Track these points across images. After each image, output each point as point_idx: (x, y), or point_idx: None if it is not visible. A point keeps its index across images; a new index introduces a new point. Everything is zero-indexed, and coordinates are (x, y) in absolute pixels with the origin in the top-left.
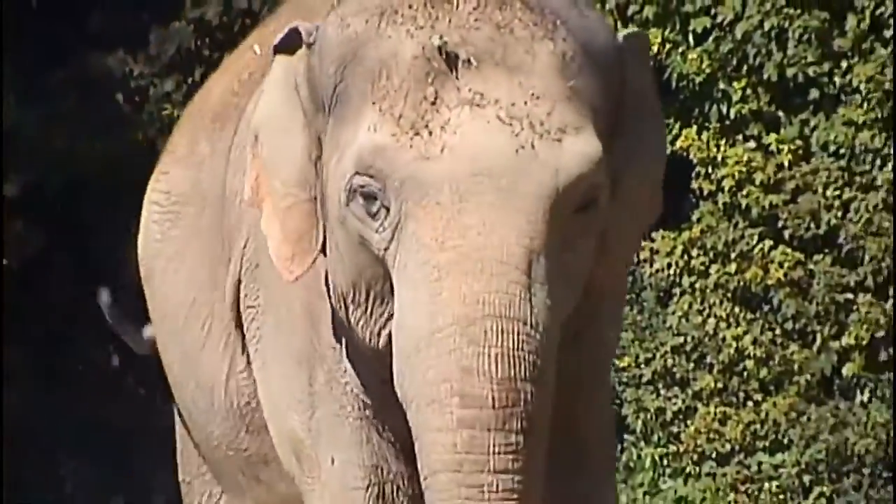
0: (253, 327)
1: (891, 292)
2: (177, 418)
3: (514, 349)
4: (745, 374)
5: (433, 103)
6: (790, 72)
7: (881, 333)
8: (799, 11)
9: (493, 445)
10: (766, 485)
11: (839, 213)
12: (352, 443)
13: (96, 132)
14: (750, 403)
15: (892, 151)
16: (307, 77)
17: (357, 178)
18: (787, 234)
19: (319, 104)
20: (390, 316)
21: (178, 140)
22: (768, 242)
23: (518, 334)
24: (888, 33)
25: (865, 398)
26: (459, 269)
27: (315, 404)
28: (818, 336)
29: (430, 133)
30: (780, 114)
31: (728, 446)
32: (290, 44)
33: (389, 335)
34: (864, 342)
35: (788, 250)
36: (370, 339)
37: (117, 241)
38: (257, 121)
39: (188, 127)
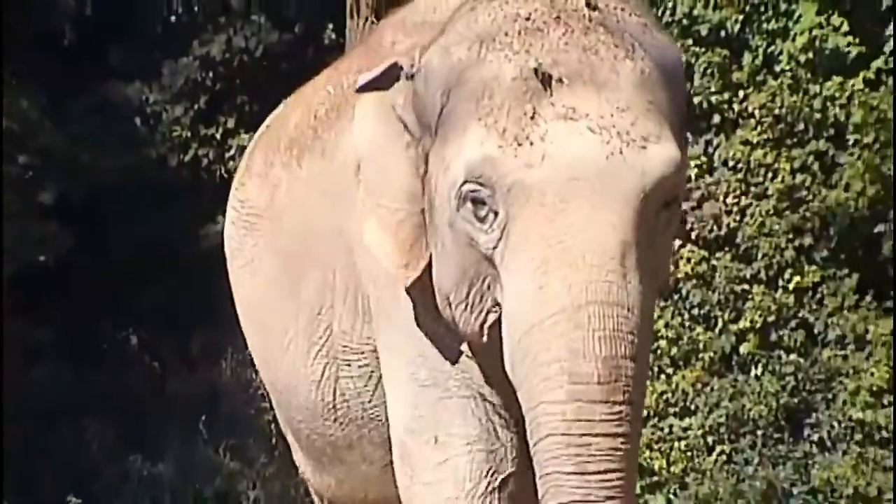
0: (383, 357)
1: (780, 283)
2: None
3: (614, 331)
4: (659, 351)
5: (532, 118)
6: (696, 99)
7: (772, 318)
8: (703, 49)
9: (599, 414)
10: (676, 444)
11: (737, 218)
12: (454, 419)
13: (116, 150)
14: (663, 376)
15: (780, 166)
16: (412, 103)
17: (467, 186)
18: (693, 234)
19: (426, 125)
20: (490, 309)
21: (256, 157)
22: (678, 242)
23: (617, 318)
24: (778, 67)
25: (759, 372)
26: (564, 263)
27: (417, 401)
28: (719, 320)
29: (531, 144)
30: (688, 135)
31: (644, 412)
32: (389, 78)
33: (490, 325)
34: (758, 325)
35: (695, 248)
36: (471, 331)
37: (133, 241)
38: (359, 149)
39: (264, 148)
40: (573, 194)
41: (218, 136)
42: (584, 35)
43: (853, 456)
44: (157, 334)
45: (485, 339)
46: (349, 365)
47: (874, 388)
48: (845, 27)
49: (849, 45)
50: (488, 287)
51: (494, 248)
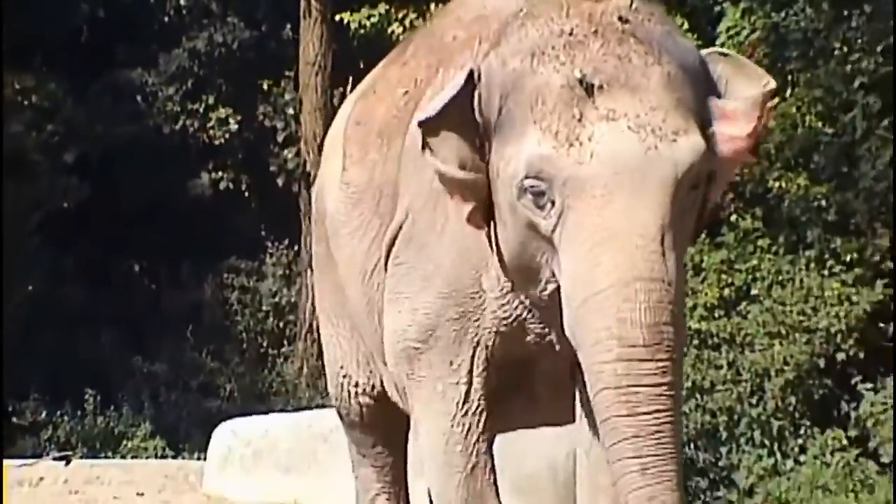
0: (397, 275)
1: None
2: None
3: (657, 302)
4: None
5: (579, 120)
6: None
7: None
8: None
9: (645, 369)
10: None
11: None
12: (464, 356)
13: (123, 121)
14: None
15: None
16: (477, 103)
17: (527, 181)
18: None
19: (487, 122)
20: (549, 280)
21: (353, 148)
22: None
23: (659, 291)
24: None
25: None
26: (612, 246)
27: (438, 327)
28: None
29: (581, 144)
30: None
31: None
32: (470, 86)
33: (549, 294)
34: None
35: None
36: (529, 292)
37: (136, 192)
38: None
39: (356, 138)
40: (617, 186)
41: (201, 111)
42: (619, 45)
43: (692, 356)
44: (154, 263)
45: (545, 298)
46: None
47: (707, 305)
48: None
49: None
50: (546, 261)
51: (553, 231)
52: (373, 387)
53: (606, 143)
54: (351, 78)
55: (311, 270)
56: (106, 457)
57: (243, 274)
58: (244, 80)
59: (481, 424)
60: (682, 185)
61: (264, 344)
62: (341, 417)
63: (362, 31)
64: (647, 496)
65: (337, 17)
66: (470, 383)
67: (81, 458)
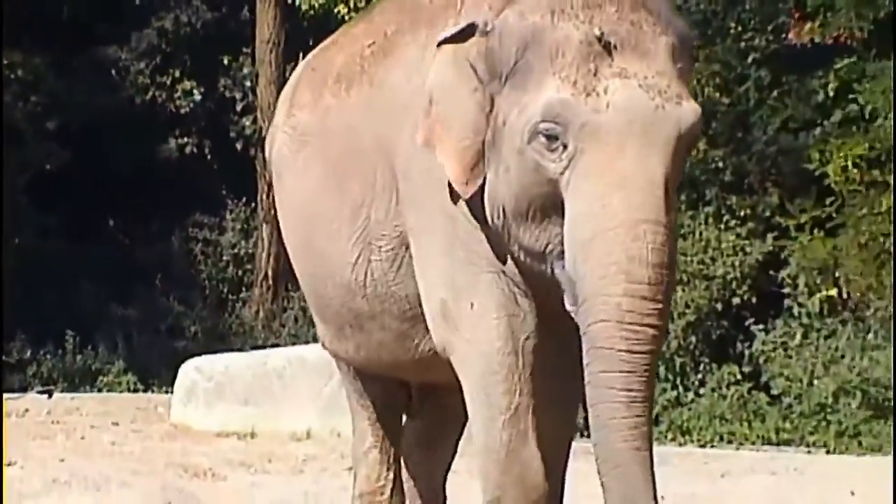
0: (414, 239)
1: None
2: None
3: (661, 245)
4: None
5: (595, 74)
6: None
7: None
8: None
9: (648, 308)
10: None
11: None
12: (486, 290)
13: (99, 92)
14: None
15: None
16: (485, 55)
17: (543, 124)
18: None
19: (496, 74)
20: (546, 226)
21: (303, 93)
22: None
23: (663, 233)
24: None
25: None
26: (623, 187)
27: (455, 272)
28: None
29: (598, 94)
30: None
31: None
32: (466, 35)
33: (548, 238)
34: None
35: None
36: (529, 243)
37: (110, 156)
38: (430, 87)
39: (310, 86)
40: (630, 135)
41: (168, 83)
42: (632, 12)
43: None
44: (127, 220)
45: (537, 249)
46: (380, 249)
47: None
48: None
49: None
50: (546, 205)
51: (561, 173)
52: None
53: (621, 97)
54: (301, 53)
55: (266, 224)
56: (84, 391)
57: (206, 228)
58: (207, 55)
59: (520, 364)
60: (682, 143)
61: (225, 290)
62: (339, 366)
63: (311, 11)
64: (631, 425)
65: (289, 1)
66: (497, 317)
67: (62, 392)
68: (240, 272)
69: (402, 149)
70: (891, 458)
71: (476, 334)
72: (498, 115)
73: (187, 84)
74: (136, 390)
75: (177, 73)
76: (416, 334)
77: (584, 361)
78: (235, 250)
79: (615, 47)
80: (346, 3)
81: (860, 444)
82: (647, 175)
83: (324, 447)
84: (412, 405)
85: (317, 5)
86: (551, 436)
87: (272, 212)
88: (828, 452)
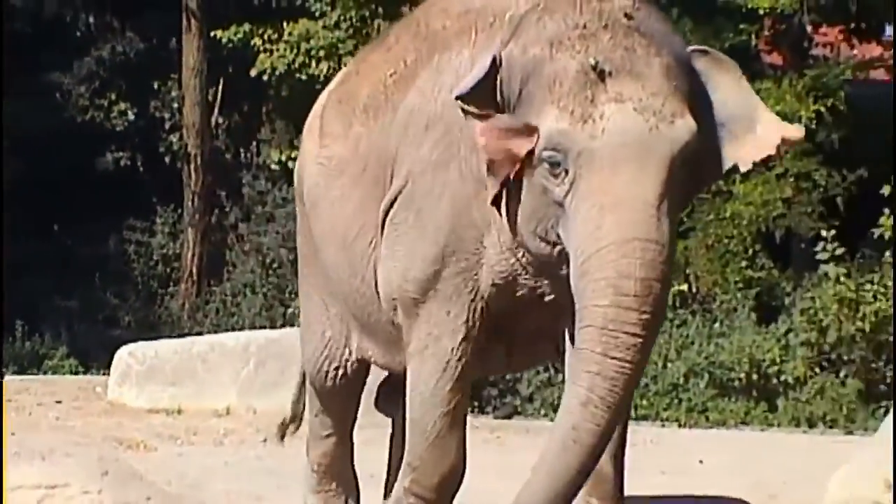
0: (393, 234)
1: None
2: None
3: (650, 260)
4: None
5: (591, 101)
6: None
7: None
8: None
9: (631, 318)
10: None
11: None
12: (466, 307)
13: (46, 112)
14: None
15: None
16: (499, 86)
17: (545, 152)
18: None
19: (506, 102)
20: (556, 241)
21: (333, 125)
22: None
23: (653, 251)
24: None
25: None
26: (617, 208)
27: (439, 281)
28: None
29: (593, 121)
30: None
31: None
32: (493, 70)
33: (560, 250)
34: None
35: None
36: (539, 252)
37: (55, 168)
38: (460, 118)
39: (338, 115)
40: (623, 158)
41: (105, 104)
42: (625, 38)
43: None
44: (69, 223)
45: (554, 258)
46: None
47: None
48: None
49: None
50: (552, 225)
51: (565, 197)
52: (352, 363)
53: (615, 122)
54: (221, 79)
55: (191, 228)
56: (32, 373)
57: (138, 231)
58: (139, 80)
59: (468, 369)
60: (678, 161)
61: (155, 285)
62: (314, 385)
63: (230, 43)
64: (571, 425)
65: (211, 33)
66: (466, 331)
67: (13, 374)
68: (168, 270)
69: (414, 161)
70: (734, 431)
71: (445, 337)
72: None
73: (122, 105)
74: (77, 373)
75: (113, 96)
76: None
77: (572, 362)
78: (164, 250)
79: (610, 73)
80: (261, 36)
81: (707, 419)
82: (640, 196)
83: (241, 422)
84: None
85: (235, 38)
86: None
87: (196, 216)
88: (679, 426)
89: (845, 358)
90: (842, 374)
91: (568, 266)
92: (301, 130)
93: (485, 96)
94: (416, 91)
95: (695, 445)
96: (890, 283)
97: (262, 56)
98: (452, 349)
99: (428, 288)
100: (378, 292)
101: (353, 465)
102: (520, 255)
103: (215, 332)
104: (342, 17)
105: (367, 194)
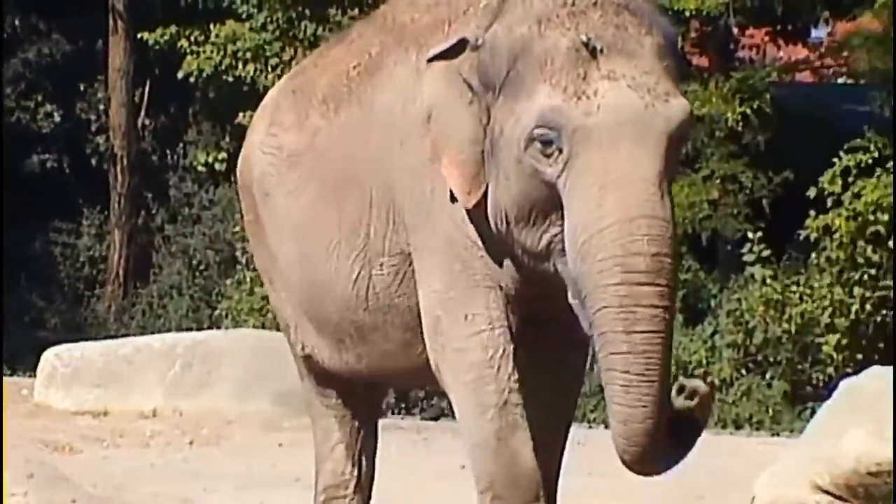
0: (416, 258)
1: None
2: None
3: (657, 235)
4: None
5: (584, 78)
6: None
7: None
8: None
9: (645, 292)
10: None
11: None
12: (481, 303)
13: None
14: None
15: None
16: (478, 69)
17: (538, 130)
18: None
19: (489, 86)
20: (547, 227)
21: (286, 114)
22: None
23: (659, 226)
24: None
25: None
26: (618, 186)
27: (451, 287)
28: None
29: (588, 98)
30: None
31: None
32: (457, 50)
33: (549, 240)
34: None
35: None
36: (532, 244)
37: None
38: (429, 105)
39: (292, 106)
40: (621, 136)
41: (32, 106)
42: (616, 16)
43: None
44: None
45: (539, 249)
46: (381, 265)
47: None
48: None
49: None
50: (549, 210)
51: (558, 177)
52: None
53: (611, 98)
54: (148, 80)
55: (117, 229)
56: None
57: (65, 233)
58: (66, 82)
59: (510, 367)
60: (673, 139)
61: (81, 287)
62: (300, 370)
63: (157, 45)
64: (623, 416)
65: (138, 35)
66: (491, 328)
67: None
68: (94, 272)
69: (401, 170)
70: None
71: (468, 343)
72: (495, 126)
73: (48, 107)
74: (2, 374)
75: (39, 98)
76: (419, 343)
77: (596, 350)
78: (90, 252)
79: (602, 51)
80: (188, 38)
81: None
82: (640, 172)
83: (168, 424)
84: None
85: (162, 41)
86: (545, 424)
87: (122, 218)
88: (607, 427)
89: (771, 359)
90: (768, 376)
91: (557, 260)
92: (227, 132)
93: (459, 87)
94: (391, 88)
95: None
96: (816, 285)
97: (188, 58)
98: (483, 350)
99: (446, 300)
100: (336, 290)
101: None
102: (518, 248)
103: (142, 333)
104: (269, 19)
105: (326, 189)
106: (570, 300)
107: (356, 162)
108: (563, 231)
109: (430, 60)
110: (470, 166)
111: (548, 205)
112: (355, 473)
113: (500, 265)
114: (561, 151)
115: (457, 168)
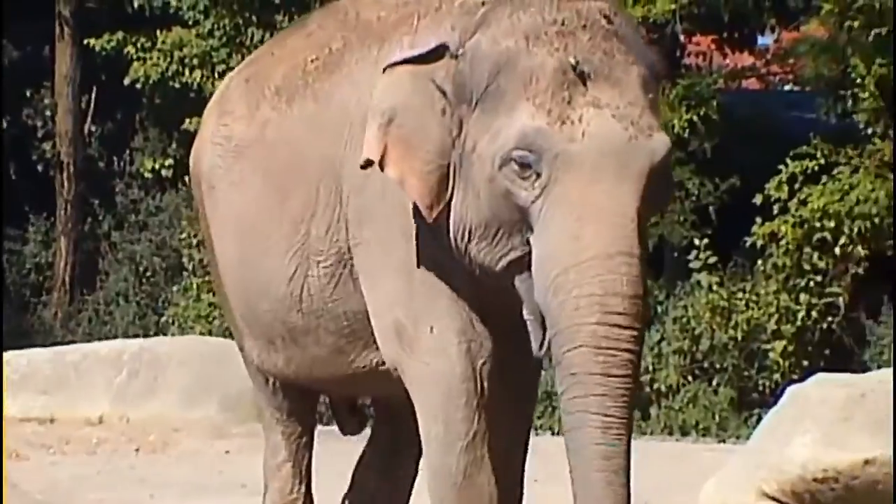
0: (361, 256)
1: None
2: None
3: (635, 276)
4: None
5: (569, 103)
6: None
7: None
8: None
9: (624, 335)
10: None
11: None
12: (446, 314)
13: None
14: None
15: None
16: (454, 78)
17: (516, 151)
18: None
19: (466, 98)
20: (513, 248)
21: (237, 104)
22: None
23: (636, 265)
24: None
25: None
26: (597, 220)
27: (413, 294)
28: None
29: (572, 123)
30: None
31: None
32: (435, 56)
33: (510, 261)
34: None
35: None
36: (490, 262)
37: None
38: (390, 108)
39: (244, 95)
40: (603, 167)
41: None
42: (605, 41)
43: None
44: None
45: (498, 268)
46: (318, 265)
47: None
48: None
49: None
50: (514, 232)
51: (533, 202)
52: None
53: (595, 127)
54: (94, 87)
55: (63, 236)
56: None
57: (11, 240)
58: (12, 89)
59: (478, 390)
60: (654, 175)
61: (27, 294)
62: (250, 374)
63: (104, 51)
64: (604, 454)
65: (84, 41)
66: (458, 342)
67: None
68: (40, 278)
69: (353, 166)
70: None
71: (435, 359)
72: (467, 139)
73: None
74: None
75: None
76: (351, 350)
77: (559, 389)
78: (37, 259)
79: (589, 76)
80: (135, 44)
81: None
82: (621, 207)
83: (114, 431)
84: (373, 431)
85: (108, 47)
86: (507, 431)
87: (68, 224)
88: (553, 434)
89: (718, 366)
90: (714, 383)
91: (515, 277)
92: (174, 138)
93: (429, 94)
94: (350, 85)
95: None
96: (762, 292)
97: (135, 64)
98: (450, 370)
99: (407, 310)
100: (271, 290)
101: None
102: (473, 265)
103: (88, 340)
104: (216, 26)
105: (270, 184)
106: (525, 315)
107: (305, 157)
108: (525, 255)
109: (402, 63)
110: (435, 179)
111: (515, 227)
112: (303, 491)
113: (460, 279)
114: (539, 176)
115: (420, 180)
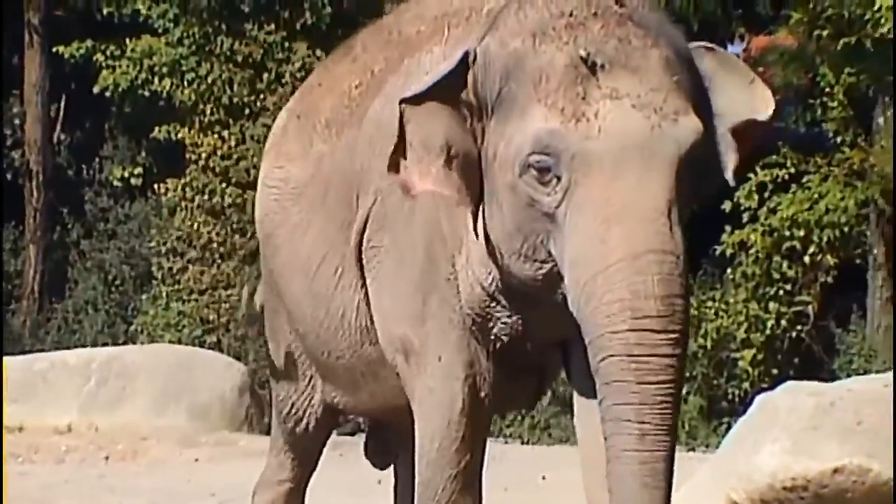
0: (374, 260)
1: None
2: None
3: (668, 274)
4: None
5: (583, 98)
6: None
7: None
8: None
9: (657, 340)
10: None
11: None
12: (455, 347)
13: None
14: None
15: None
16: (472, 87)
17: (533, 156)
18: None
19: (482, 105)
20: (545, 260)
21: (291, 144)
22: None
23: (670, 263)
24: None
25: None
26: (623, 219)
27: (426, 318)
28: None
29: (588, 120)
30: None
31: None
32: (464, 67)
33: (545, 273)
34: None
35: None
36: (528, 277)
37: None
38: (444, 143)
39: (298, 134)
40: (626, 161)
41: None
42: (618, 28)
43: None
44: None
45: (538, 282)
46: None
47: None
48: None
49: None
50: (542, 242)
51: (557, 207)
52: (318, 410)
53: (613, 120)
54: (64, 95)
55: (32, 245)
56: None
57: None
58: None
59: (478, 426)
60: (684, 163)
61: None
62: (281, 426)
63: (73, 59)
64: (639, 460)
65: (54, 49)
66: (465, 377)
67: None
68: (9, 287)
69: (382, 175)
70: (577, 447)
71: (441, 387)
72: (488, 148)
73: None
74: None
75: None
76: None
77: (598, 398)
78: (5, 267)
79: (603, 67)
80: (104, 52)
81: (550, 435)
82: (649, 203)
83: (83, 439)
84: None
85: (78, 55)
86: None
87: (38, 233)
88: (522, 443)
89: (687, 374)
90: (683, 391)
91: (558, 290)
92: (143, 146)
93: (453, 97)
94: (382, 98)
95: (538, 462)
96: (731, 300)
97: (104, 72)
98: (452, 402)
99: (417, 327)
100: (345, 325)
101: None
102: (489, 284)
103: (57, 349)
104: (185, 34)
105: (330, 219)
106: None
107: (350, 181)
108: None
109: (426, 93)
110: (462, 181)
111: (543, 237)
112: None
113: (476, 307)
114: (559, 179)
115: (433, 183)
